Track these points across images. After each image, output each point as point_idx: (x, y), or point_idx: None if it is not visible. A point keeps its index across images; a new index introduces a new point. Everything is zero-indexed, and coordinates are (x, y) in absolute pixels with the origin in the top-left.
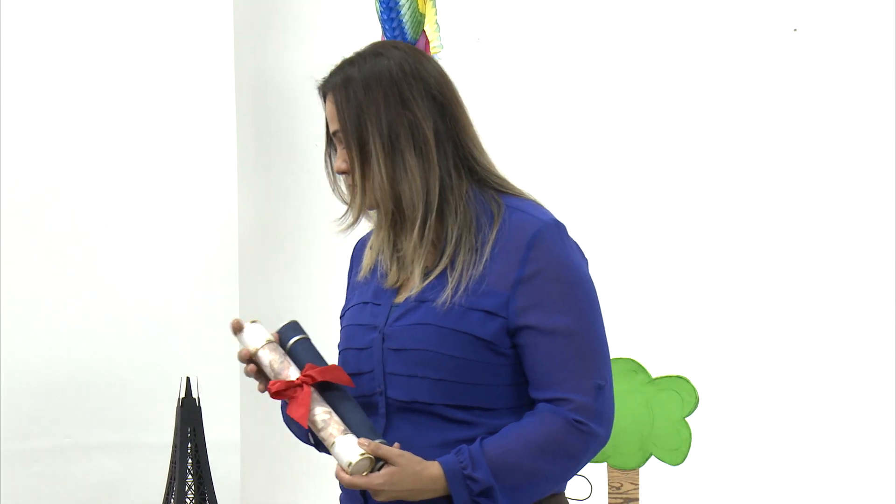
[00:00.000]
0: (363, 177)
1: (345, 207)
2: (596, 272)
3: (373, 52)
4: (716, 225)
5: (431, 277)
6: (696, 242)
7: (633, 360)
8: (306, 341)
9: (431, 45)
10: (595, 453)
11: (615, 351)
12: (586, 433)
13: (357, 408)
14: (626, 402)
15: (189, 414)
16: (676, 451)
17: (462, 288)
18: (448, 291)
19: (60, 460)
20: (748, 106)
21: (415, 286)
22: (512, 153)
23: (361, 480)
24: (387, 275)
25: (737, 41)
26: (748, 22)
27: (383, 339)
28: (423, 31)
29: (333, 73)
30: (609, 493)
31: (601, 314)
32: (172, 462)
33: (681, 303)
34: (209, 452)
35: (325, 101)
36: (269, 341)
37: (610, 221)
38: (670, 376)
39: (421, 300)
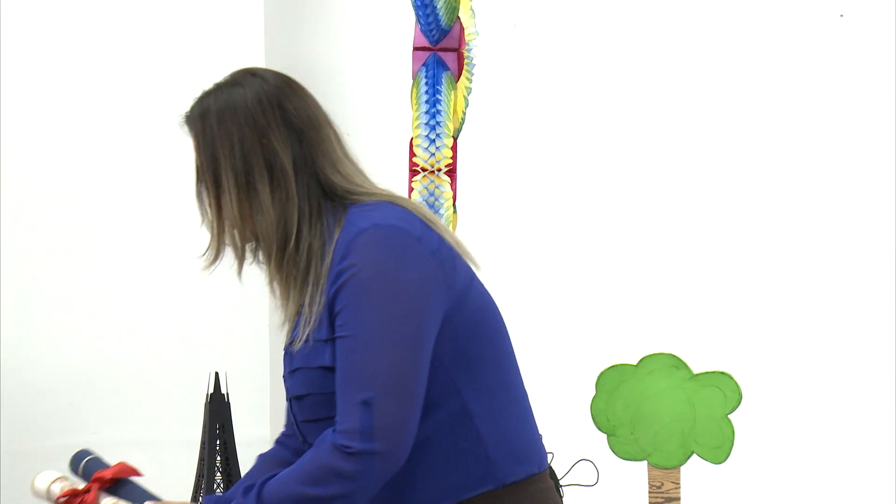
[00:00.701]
0: (219, 212)
1: None
2: (638, 265)
3: (230, 81)
4: (764, 218)
5: (294, 318)
6: (743, 235)
7: (674, 356)
8: (97, 459)
9: (466, 31)
10: (387, 469)
11: (656, 346)
12: (356, 454)
13: (145, 492)
14: (666, 398)
15: (218, 410)
16: (719, 449)
17: (312, 322)
18: (301, 329)
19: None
20: (790, 94)
21: (296, 331)
22: (547, 141)
23: None
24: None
25: (790, 25)
26: (798, 9)
27: (287, 389)
28: (458, 17)
29: (193, 106)
30: (649, 492)
31: (401, 321)
32: (201, 459)
33: (723, 296)
34: (238, 449)
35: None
36: (59, 477)
37: (655, 212)
38: (712, 372)
39: (291, 342)
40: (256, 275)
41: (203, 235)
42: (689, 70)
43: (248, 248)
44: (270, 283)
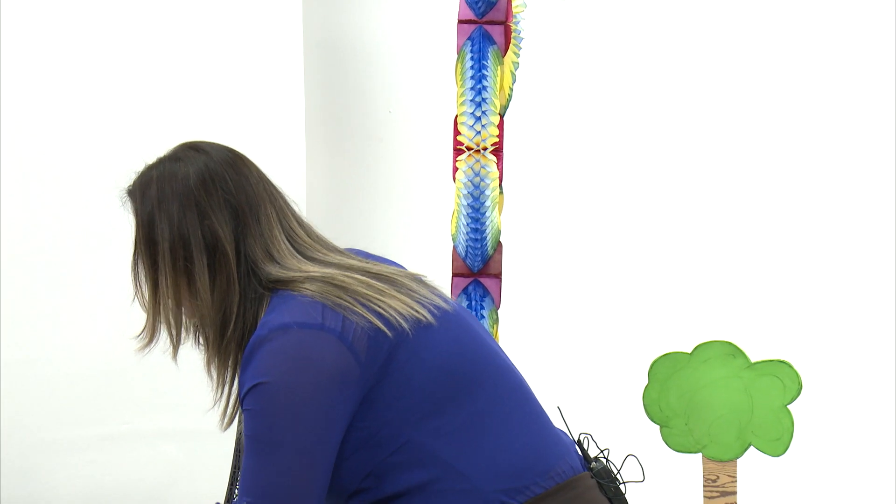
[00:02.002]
0: (154, 292)
1: None
2: (694, 248)
3: (173, 156)
4: (825, 203)
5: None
6: (806, 221)
7: (730, 343)
8: None
9: (514, 3)
10: None
11: (712, 334)
12: None
13: None
14: (723, 388)
15: None
16: (777, 442)
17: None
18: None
19: (118, 447)
20: (830, 85)
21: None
22: (598, 119)
23: None
24: None
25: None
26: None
27: None
28: None
29: (135, 179)
30: (704, 486)
31: (294, 433)
32: (237, 449)
33: (782, 279)
34: None
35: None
36: None
37: (715, 192)
38: (771, 360)
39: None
40: None
41: None
42: (742, 50)
43: (184, 330)
44: (207, 366)
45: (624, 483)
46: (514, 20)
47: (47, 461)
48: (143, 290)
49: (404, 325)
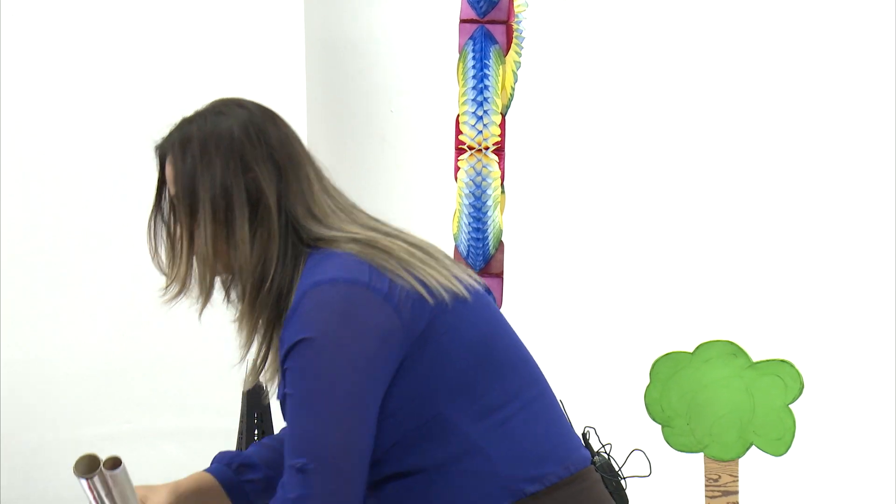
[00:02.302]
0: (190, 244)
1: None
2: (695, 247)
3: (214, 110)
4: (828, 201)
5: (261, 363)
6: (807, 221)
7: (732, 343)
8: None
9: (516, 2)
10: None
11: (713, 333)
12: None
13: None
14: (724, 387)
15: (255, 399)
16: (779, 441)
17: (272, 368)
18: (264, 373)
19: (120, 447)
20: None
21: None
22: (599, 119)
23: None
24: None
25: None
26: None
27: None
28: None
29: (172, 133)
30: (706, 486)
31: (342, 388)
32: (238, 449)
33: (784, 281)
34: None
35: (163, 164)
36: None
37: (714, 193)
38: (773, 360)
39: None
40: None
41: None
42: (743, 49)
43: (216, 283)
44: (239, 321)
45: (625, 479)
46: (515, 19)
47: (47, 461)
48: (180, 242)
49: (444, 296)
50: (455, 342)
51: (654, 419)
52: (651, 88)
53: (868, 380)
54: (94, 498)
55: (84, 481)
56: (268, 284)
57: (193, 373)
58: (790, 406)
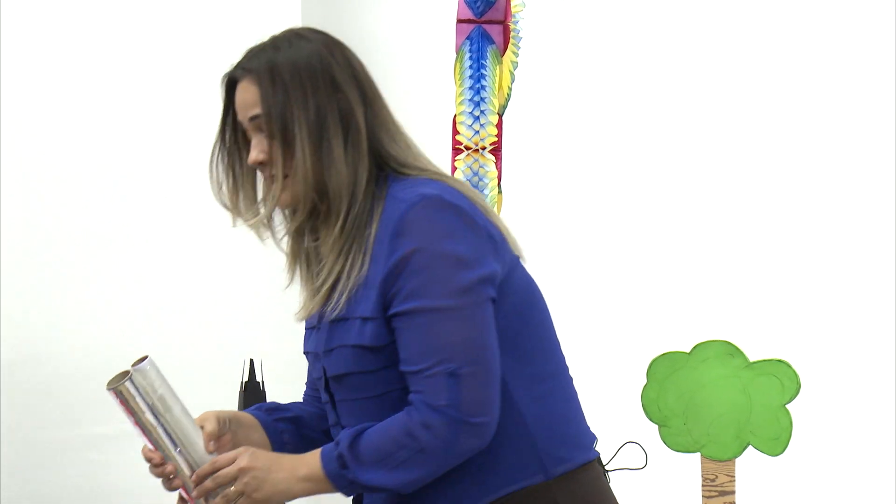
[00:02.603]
0: (285, 167)
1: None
2: (692, 247)
3: (294, 35)
4: (825, 202)
5: (330, 290)
6: (804, 221)
7: (728, 343)
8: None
9: (513, 2)
10: (477, 443)
11: (710, 333)
12: (448, 427)
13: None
14: (721, 387)
15: (253, 398)
16: (776, 441)
17: (349, 294)
18: (338, 301)
19: (114, 447)
20: (838, 81)
21: (331, 302)
22: (596, 119)
23: (227, 470)
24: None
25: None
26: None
27: (324, 368)
28: None
29: (251, 58)
30: (703, 486)
31: (471, 295)
32: None
33: (781, 281)
34: None
35: (228, 90)
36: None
37: (710, 194)
38: (769, 360)
39: (331, 320)
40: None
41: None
42: (740, 50)
43: (307, 206)
44: (324, 245)
45: (606, 472)
46: (512, 20)
47: (46, 460)
48: (277, 164)
49: (520, 248)
50: (519, 299)
51: (650, 419)
52: (647, 89)
53: (865, 380)
54: (130, 410)
55: (114, 393)
56: (357, 207)
57: (190, 373)
58: (787, 406)
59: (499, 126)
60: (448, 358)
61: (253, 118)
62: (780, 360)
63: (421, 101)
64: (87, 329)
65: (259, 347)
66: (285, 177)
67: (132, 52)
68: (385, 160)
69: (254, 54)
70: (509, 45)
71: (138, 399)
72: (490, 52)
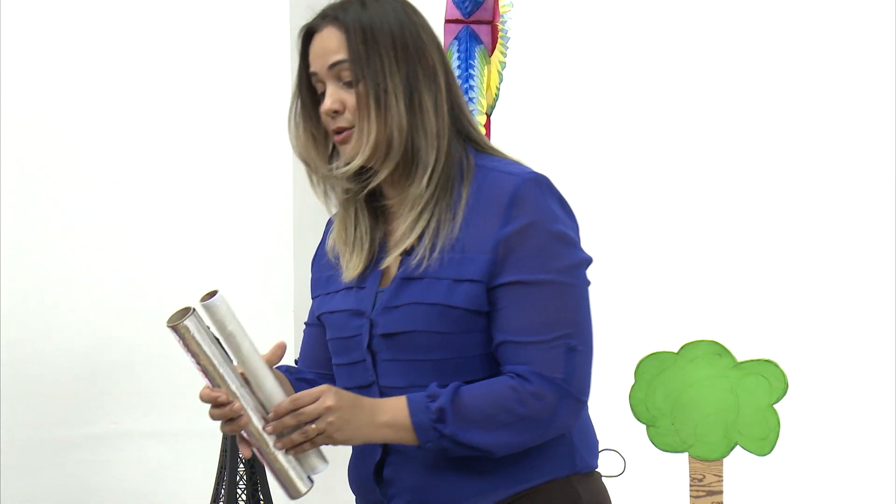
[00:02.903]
0: (377, 118)
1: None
2: (679, 248)
3: (363, 2)
4: (810, 202)
5: (412, 249)
6: (791, 221)
7: (716, 343)
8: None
9: (501, 3)
10: (574, 420)
11: (698, 333)
12: (556, 398)
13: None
14: (709, 387)
15: None
16: (764, 441)
17: (444, 259)
18: (429, 265)
19: (106, 447)
20: (827, 84)
21: (414, 258)
22: (584, 119)
23: (311, 408)
24: (370, 253)
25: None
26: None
27: (371, 325)
28: None
29: (336, 9)
30: (690, 486)
31: (582, 276)
32: (223, 450)
33: (768, 280)
34: None
35: (308, 37)
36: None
37: (697, 195)
38: (757, 360)
39: (406, 277)
40: (281, 257)
41: (228, 219)
42: (726, 49)
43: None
44: (402, 204)
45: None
46: (501, 20)
47: (36, 461)
48: (368, 118)
49: None
50: None
51: (638, 419)
52: (637, 89)
53: (853, 380)
54: (188, 348)
55: (175, 331)
56: (442, 166)
57: (180, 373)
58: (775, 406)
59: (487, 126)
60: (569, 333)
61: (334, 65)
62: (767, 360)
63: None
64: (78, 328)
65: None
66: (376, 127)
67: (116, 51)
68: (462, 129)
69: (338, 6)
70: (497, 45)
71: (198, 337)
72: (478, 52)
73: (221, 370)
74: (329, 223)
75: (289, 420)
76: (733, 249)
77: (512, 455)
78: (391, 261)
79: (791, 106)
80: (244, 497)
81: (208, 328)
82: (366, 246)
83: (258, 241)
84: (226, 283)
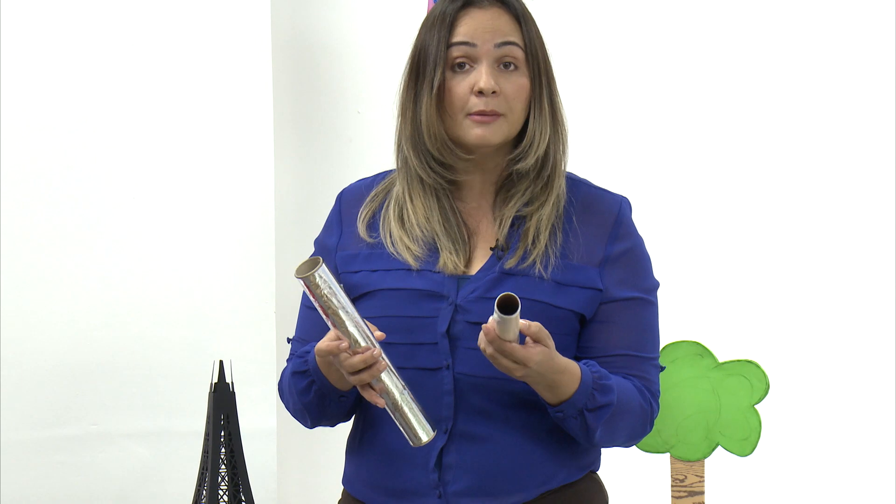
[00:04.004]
0: (538, 106)
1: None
2: (659, 249)
3: None
4: (791, 203)
5: (507, 243)
6: (772, 220)
7: (698, 343)
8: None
9: None
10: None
11: (679, 334)
12: (651, 409)
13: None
14: (690, 388)
15: (222, 400)
16: (745, 441)
17: (549, 261)
18: (539, 265)
19: (87, 448)
20: (819, 88)
21: (509, 254)
22: (569, 122)
23: (520, 352)
24: (462, 241)
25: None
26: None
27: (455, 310)
28: None
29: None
30: (672, 486)
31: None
32: (205, 451)
33: (750, 281)
34: (243, 440)
35: (460, 8)
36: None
37: (679, 198)
38: (738, 360)
39: (507, 273)
40: (263, 260)
41: (209, 218)
42: (714, 58)
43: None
44: (503, 197)
45: None
46: None
47: (16, 462)
48: (540, 99)
49: None
50: None
51: None
52: (628, 91)
53: (834, 380)
54: (323, 300)
55: (306, 281)
56: (550, 168)
57: (159, 374)
58: (756, 406)
59: None
60: (657, 351)
61: (504, 44)
62: (749, 361)
63: (391, 101)
64: (56, 329)
65: (229, 349)
66: (531, 111)
67: (90, 53)
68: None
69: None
70: None
71: (327, 290)
72: None
73: (354, 319)
74: (340, 197)
75: (495, 348)
76: (714, 250)
77: (569, 447)
78: (477, 252)
79: (773, 110)
80: (226, 498)
81: (335, 278)
82: (460, 234)
83: (239, 242)
84: (199, 284)
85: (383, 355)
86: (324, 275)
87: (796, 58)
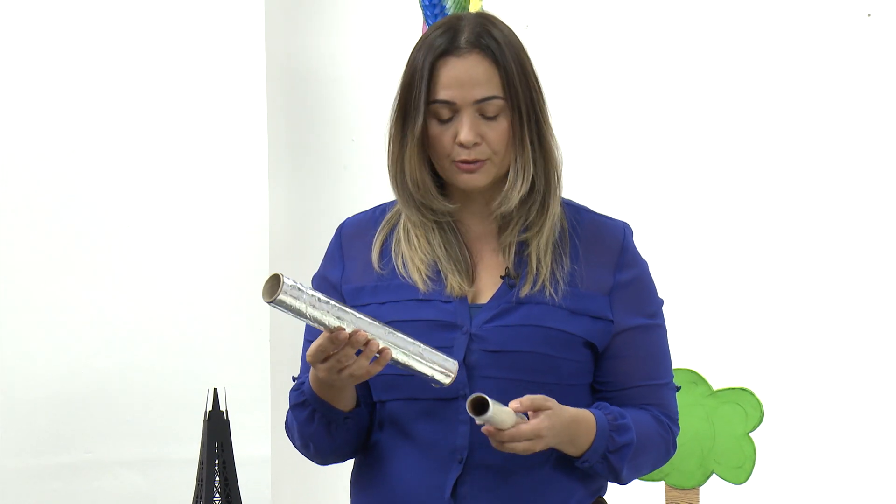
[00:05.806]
0: (521, 146)
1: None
2: (656, 276)
3: (492, 19)
4: (790, 229)
5: (516, 272)
6: (767, 247)
7: (692, 371)
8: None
9: None
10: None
11: (674, 362)
12: (671, 435)
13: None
14: (685, 415)
15: (216, 428)
16: (739, 469)
17: (559, 289)
18: (549, 290)
19: (80, 476)
20: (814, 95)
21: (520, 283)
22: (563, 115)
23: (528, 428)
24: (447, 272)
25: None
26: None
27: (471, 340)
28: None
29: (480, 34)
30: None
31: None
32: (199, 479)
33: (745, 309)
34: (238, 468)
35: (442, 63)
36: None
37: (671, 220)
38: (733, 388)
39: (519, 300)
40: (258, 288)
41: (203, 245)
42: (695, 73)
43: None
44: (502, 226)
45: None
46: None
47: (10, 490)
48: (524, 133)
49: None
50: None
51: None
52: (609, 113)
53: (829, 408)
54: (302, 313)
55: (278, 305)
56: (542, 195)
57: (154, 402)
58: (750, 434)
59: None
60: (671, 375)
61: (482, 100)
62: (743, 389)
63: (385, 128)
64: (51, 355)
65: (223, 377)
66: (519, 156)
67: (76, 58)
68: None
69: (475, 31)
70: None
71: (298, 304)
72: None
73: (340, 315)
74: (340, 230)
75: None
76: (709, 278)
77: (582, 475)
78: (484, 280)
79: (768, 134)
80: None
81: (301, 286)
82: (462, 257)
83: (234, 270)
84: (193, 312)
85: (374, 324)
86: (286, 296)
87: (790, 74)
